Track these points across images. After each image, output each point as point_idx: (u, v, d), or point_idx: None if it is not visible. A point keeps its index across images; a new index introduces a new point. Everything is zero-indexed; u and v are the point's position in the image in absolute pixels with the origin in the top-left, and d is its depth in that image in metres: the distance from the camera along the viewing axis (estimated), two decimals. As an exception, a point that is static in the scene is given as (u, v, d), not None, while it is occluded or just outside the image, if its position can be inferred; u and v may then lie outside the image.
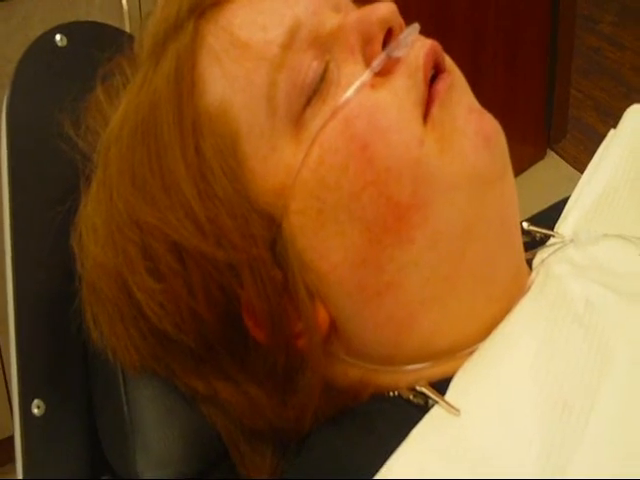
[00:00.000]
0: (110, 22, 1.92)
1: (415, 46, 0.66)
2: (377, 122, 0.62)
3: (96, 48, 0.73)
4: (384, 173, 0.61)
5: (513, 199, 0.68)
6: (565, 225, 0.77)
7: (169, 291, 0.63)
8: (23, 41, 0.83)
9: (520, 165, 2.89)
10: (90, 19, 1.90)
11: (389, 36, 0.66)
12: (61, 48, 0.83)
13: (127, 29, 1.92)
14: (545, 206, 0.87)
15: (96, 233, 0.66)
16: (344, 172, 0.62)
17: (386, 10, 0.66)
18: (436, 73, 0.66)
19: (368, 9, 0.66)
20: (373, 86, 0.63)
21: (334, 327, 0.65)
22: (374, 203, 0.61)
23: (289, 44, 0.64)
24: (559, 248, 0.73)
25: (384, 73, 0.64)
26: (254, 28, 0.64)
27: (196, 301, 0.63)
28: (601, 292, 0.66)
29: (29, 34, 0.84)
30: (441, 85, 0.65)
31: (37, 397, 0.71)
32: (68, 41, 0.83)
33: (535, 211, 0.87)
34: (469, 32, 2.74)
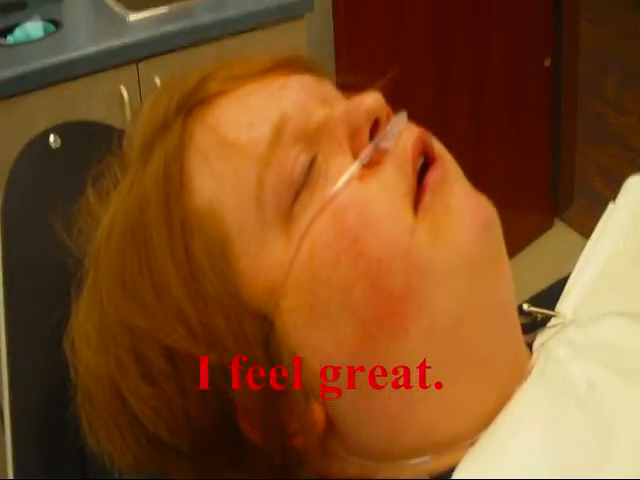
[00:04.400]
0: (112, 114, 1.96)
1: (403, 136, 0.66)
2: (367, 215, 0.62)
3: (89, 148, 0.74)
4: (376, 265, 0.61)
5: (509, 282, 0.68)
6: (566, 304, 0.76)
7: (162, 396, 0.62)
8: (25, 140, 0.85)
9: (528, 236, 2.88)
10: (92, 112, 1.94)
11: (377, 126, 0.66)
12: (54, 150, 0.83)
13: (128, 120, 1.95)
14: (555, 276, 0.85)
15: (88, 339, 0.65)
16: (335, 266, 0.61)
17: (372, 101, 0.66)
18: (426, 160, 0.66)
19: (355, 101, 0.66)
20: (361, 178, 0.63)
21: (330, 424, 0.64)
22: (366, 296, 0.61)
23: (276, 140, 0.64)
24: (559, 330, 0.72)
25: (372, 164, 0.64)
26: (241, 126, 0.65)
27: (190, 405, 0.62)
28: (603, 373, 0.65)
29: (31, 132, 0.85)
30: (433, 176, 0.65)
31: None
32: (62, 142, 0.84)
33: (545, 282, 0.86)
34: (472, 102, 2.76)
